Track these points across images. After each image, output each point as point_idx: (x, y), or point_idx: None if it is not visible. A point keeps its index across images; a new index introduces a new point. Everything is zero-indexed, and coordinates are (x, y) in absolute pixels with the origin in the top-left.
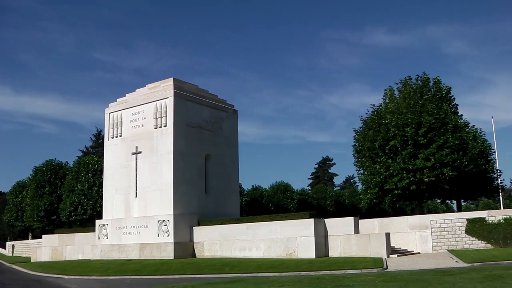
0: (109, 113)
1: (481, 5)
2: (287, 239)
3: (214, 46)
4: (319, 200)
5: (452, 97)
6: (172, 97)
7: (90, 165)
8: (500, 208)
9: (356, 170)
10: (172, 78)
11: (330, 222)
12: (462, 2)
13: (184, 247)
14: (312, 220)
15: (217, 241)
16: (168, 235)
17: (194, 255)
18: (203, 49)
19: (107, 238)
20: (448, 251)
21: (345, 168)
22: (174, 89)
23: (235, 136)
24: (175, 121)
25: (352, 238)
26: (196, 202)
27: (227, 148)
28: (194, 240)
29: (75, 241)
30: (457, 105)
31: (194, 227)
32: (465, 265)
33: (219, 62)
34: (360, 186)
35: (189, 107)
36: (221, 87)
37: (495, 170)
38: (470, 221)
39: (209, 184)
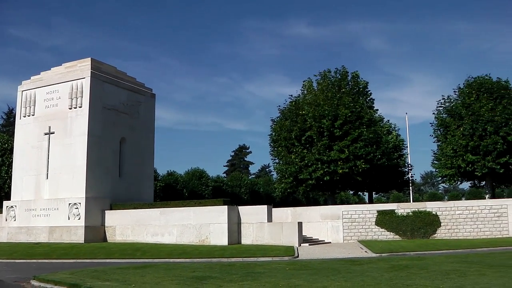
0: (22, 91)
1: (399, 4)
2: (200, 225)
3: (135, 29)
4: (234, 188)
5: (369, 92)
6: (89, 77)
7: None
8: (410, 201)
9: (272, 159)
10: (89, 58)
11: (243, 210)
12: (381, 0)
13: (95, 231)
14: (225, 207)
15: (129, 225)
16: (79, 219)
17: (105, 240)
18: (123, 32)
19: (15, 220)
20: (358, 241)
21: (261, 157)
22: (91, 69)
23: (152, 121)
24: (91, 102)
25: (265, 226)
26: (109, 186)
27: (144, 132)
28: (106, 224)
29: None
30: (373, 99)
31: (106, 211)
32: (374, 255)
33: (139, 46)
34: (275, 175)
35: (106, 88)
36: (140, 71)
37: (406, 164)
38: (381, 213)
39: (123, 168)
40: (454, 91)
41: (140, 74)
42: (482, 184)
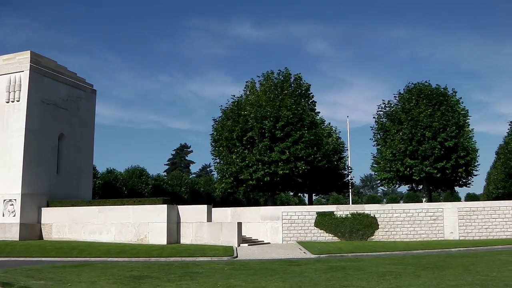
0: None
1: (342, 9)
2: (139, 224)
3: (76, 23)
4: (174, 187)
5: (311, 94)
6: (28, 71)
7: None
8: (349, 204)
9: (213, 159)
10: (29, 51)
11: (183, 209)
12: (325, 4)
13: (31, 228)
14: (165, 206)
15: (67, 223)
16: (14, 216)
17: (41, 237)
18: (63, 25)
19: None
20: (297, 242)
21: (202, 156)
22: (30, 62)
23: (92, 117)
24: (29, 96)
25: (204, 226)
26: (46, 182)
27: (83, 128)
28: (42, 222)
29: None
30: (315, 102)
31: (42, 208)
32: (312, 256)
33: (80, 40)
34: (215, 175)
35: (45, 83)
36: (81, 66)
37: (346, 167)
38: (320, 214)
39: (61, 164)
40: (395, 96)
41: (81, 70)
42: (419, 188)
